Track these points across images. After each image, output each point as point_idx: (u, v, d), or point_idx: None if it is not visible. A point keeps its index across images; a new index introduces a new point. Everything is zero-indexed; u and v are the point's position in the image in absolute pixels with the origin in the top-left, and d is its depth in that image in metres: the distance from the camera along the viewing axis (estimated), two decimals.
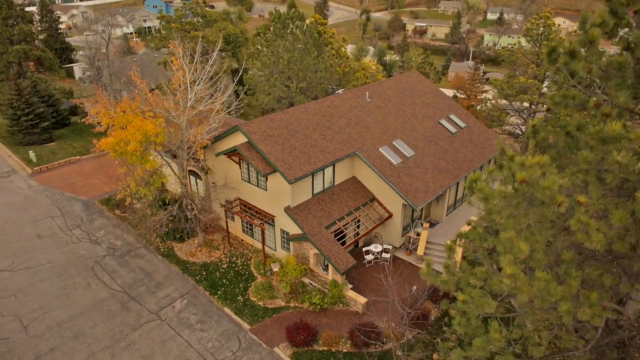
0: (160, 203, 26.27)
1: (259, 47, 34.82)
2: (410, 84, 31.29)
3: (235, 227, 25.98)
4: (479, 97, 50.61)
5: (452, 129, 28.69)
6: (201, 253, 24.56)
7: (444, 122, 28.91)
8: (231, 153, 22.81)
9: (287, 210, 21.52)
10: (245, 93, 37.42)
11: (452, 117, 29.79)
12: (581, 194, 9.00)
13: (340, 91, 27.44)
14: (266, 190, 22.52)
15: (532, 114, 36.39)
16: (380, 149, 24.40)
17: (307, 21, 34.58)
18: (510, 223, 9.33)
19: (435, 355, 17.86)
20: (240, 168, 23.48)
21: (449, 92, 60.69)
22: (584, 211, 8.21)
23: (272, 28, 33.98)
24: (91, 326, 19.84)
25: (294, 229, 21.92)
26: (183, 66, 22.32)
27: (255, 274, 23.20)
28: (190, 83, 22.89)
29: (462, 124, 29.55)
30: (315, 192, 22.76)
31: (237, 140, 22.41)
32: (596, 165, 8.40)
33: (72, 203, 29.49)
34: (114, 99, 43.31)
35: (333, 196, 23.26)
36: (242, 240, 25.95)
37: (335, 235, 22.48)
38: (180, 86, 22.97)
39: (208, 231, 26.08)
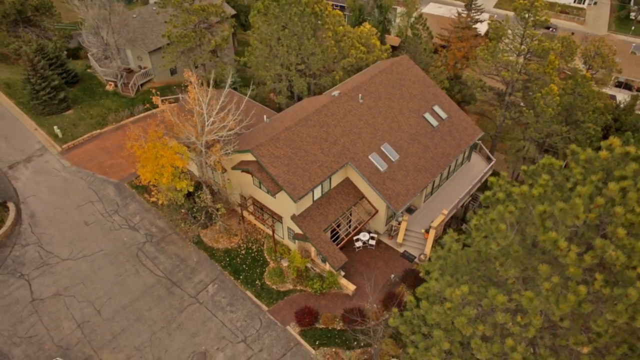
0: (186, 193, 31.14)
1: (258, 25, 36.46)
2: (400, 73, 34.14)
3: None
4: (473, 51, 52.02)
5: (435, 123, 32.55)
6: (222, 239, 30.27)
7: (427, 115, 32.63)
8: (245, 169, 27.24)
9: (293, 218, 26.72)
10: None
11: (436, 108, 33.37)
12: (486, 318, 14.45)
13: (336, 93, 30.70)
14: (274, 198, 27.43)
15: (510, 93, 39.45)
16: (369, 157, 28.76)
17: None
18: (441, 324, 14.95)
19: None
20: (252, 177, 28.05)
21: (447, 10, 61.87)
22: (480, 335, 13.79)
23: (270, 8, 35.32)
24: (147, 310, 26.33)
25: (298, 229, 27.35)
26: (199, 98, 25.60)
27: (268, 259, 29.22)
28: (206, 105, 26.37)
29: (444, 115, 33.28)
30: (315, 198, 27.72)
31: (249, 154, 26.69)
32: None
33: (105, 186, 34.31)
34: (122, 63, 45.12)
35: (329, 200, 28.28)
36: (254, 225, 31.50)
37: (332, 233, 28.04)
38: (196, 107, 26.50)
39: (226, 216, 31.44)
